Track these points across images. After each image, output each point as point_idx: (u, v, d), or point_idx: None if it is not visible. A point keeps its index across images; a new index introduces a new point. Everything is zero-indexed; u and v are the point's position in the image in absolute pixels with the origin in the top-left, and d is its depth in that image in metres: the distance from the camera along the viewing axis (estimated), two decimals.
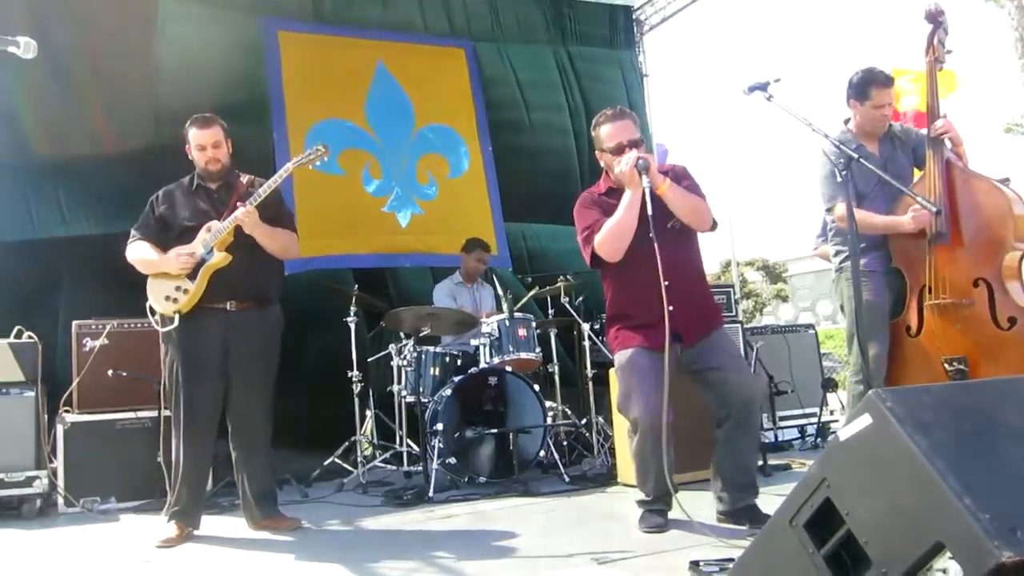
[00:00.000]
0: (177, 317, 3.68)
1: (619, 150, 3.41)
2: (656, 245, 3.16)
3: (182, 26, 6.14)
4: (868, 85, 3.68)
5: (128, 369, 4.65)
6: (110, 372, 4.65)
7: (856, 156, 3.18)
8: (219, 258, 3.66)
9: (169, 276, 3.69)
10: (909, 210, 3.48)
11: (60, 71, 5.75)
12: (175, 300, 3.68)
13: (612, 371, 4.80)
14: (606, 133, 3.50)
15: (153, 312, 3.76)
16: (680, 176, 3.50)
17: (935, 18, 3.63)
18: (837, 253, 3.82)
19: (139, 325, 4.78)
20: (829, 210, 3.75)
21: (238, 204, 3.70)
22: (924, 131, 3.74)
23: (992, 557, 1.56)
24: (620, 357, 3.49)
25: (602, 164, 3.61)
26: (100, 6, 5.90)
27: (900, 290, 3.63)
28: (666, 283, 3.18)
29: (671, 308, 3.19)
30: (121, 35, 5.98)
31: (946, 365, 3.39)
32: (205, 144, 3.80)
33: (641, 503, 3.46)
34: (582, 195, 3.65)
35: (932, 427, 1.77)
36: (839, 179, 3.23)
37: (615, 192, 3.48)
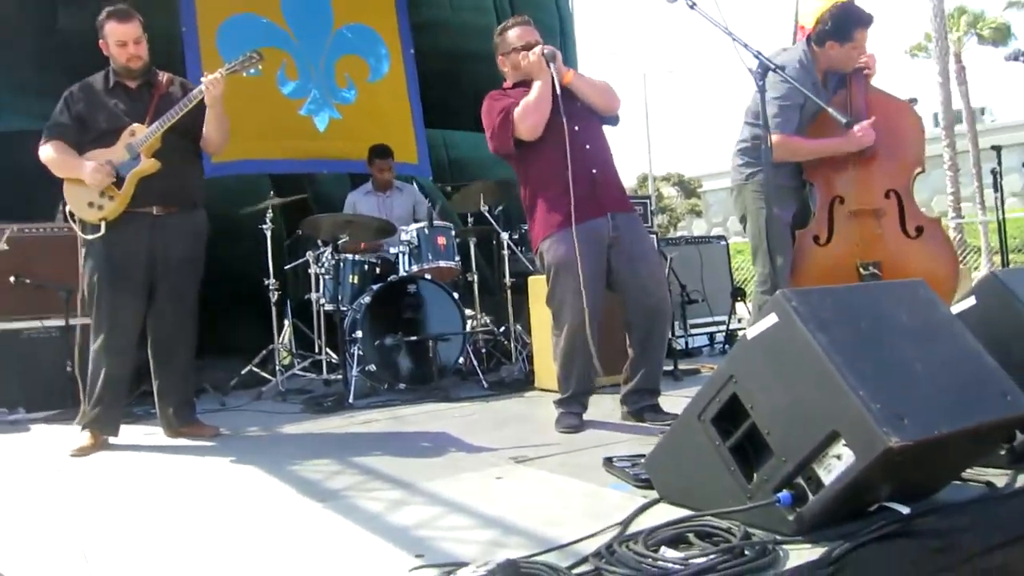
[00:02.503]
0: (103, 225, 3.54)
1: (528, 48, 3.50)
2: (566, 119, 3.36)
3: None
4: (854, 26, 3.63)
5: (32, 276, 4.48)
6: (12, 279, 4.48)
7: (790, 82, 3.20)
8: (147, 164, 3.52)
9: None
10: (857, 127, 3.52)
11: None
12: (100, 207, 3.53)
13: (530, 279, 4.88)
14: (515, 34, 3.61)
15: (73, 218, 3.60)
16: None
17: None
18: (745, 165, 3.87)
19: (41, 230, 4.61)
20: (756, 129, 3.74)
21: (169, 96, 3.59)
22: None
23: (881, 443, 1.68)
24: (546, 246, 3.51)
25: (504, 70, 3.69)
26: None
27: (803, 202, 3.76)
28: (587, 146, 3.40)
29: (594, 171, 3.41)
30: None
31: (861, 270, 3.58)
32: (126, 40, 3.58)
33: (559, 403, 3.56)
34: (489, 93, 3.66)
35: (832, 325, 1.88)
36: (788, 102, 3.37)
37: (522, 85, 3.54)
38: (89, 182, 3.51)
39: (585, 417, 3.54)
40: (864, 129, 3.53)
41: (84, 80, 3.70)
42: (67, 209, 3.62)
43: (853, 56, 3.70)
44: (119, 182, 3.53)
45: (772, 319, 1.91)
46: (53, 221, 4.51)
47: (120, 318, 3.60)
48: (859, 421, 1.71)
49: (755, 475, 1.93)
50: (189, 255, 3.71)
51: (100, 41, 3.64)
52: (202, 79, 3.56)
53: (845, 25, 3.65)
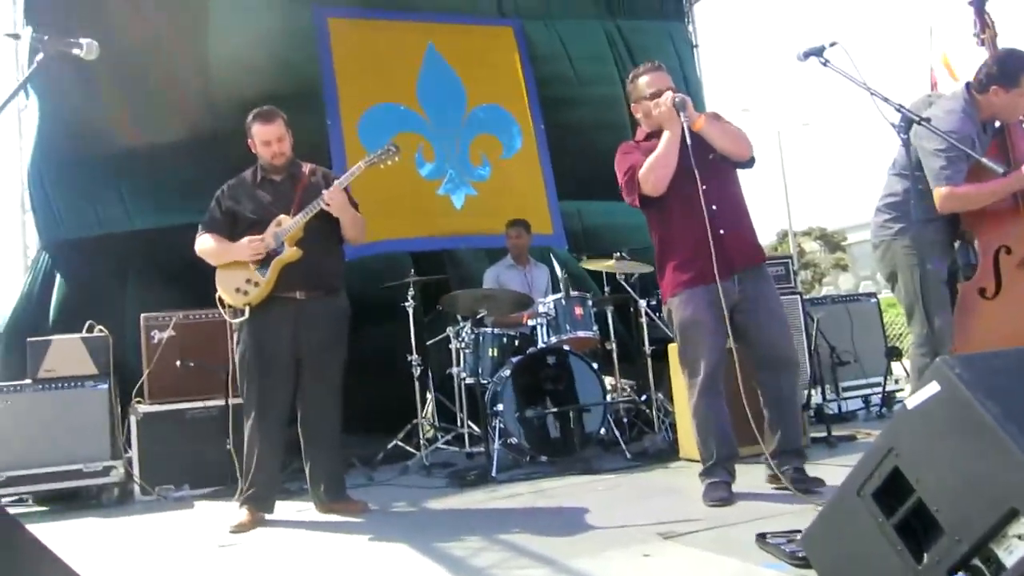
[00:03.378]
0: (247, 309, 3.75)
1: (659, 95, 3.49)
2: (698, 174, 3.30)
3: (233, 15, 6.22)
4: (1021, 71, 3.46)
5: (195, 359, 4.77)
6: (178, 363, 4.79)
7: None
8: (290, 253, 3.73)
9: (239, 267, 3.76)
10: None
11: (112, 69, 5.87)
12: (245, 292, 3.75)
13: (671, 346, 4.78)
14: (645, 82, 3.60)
15: (222, 304, 3.83)
16: (715, 118, 3.55)
17: None
18: (893, 220, 3.70)
19: (204, 316, 4.93)
20: (908, 183, 3.57)
21: (312, 185, 3.80)
22: None
23: None
24: (675, 304, 3.52)
25: (638, 116, 3.69)
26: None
27: (953, 257, 3.55)
28: (713, 207, 3.33)
29: (722, 232, 3.34)
30: (172, 27, 6.10)
31: None
32: (270, 139, 3.84)
33: (704, 474, 3.46)
34: (621, 145, 3.69)
35: (1003, 392, 1.74)
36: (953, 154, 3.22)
37: (653, 136, 3.54)
38: (245, 257, 3.73)
39: (734, 488, 3.41)
40: None
41: (235, 177, 3.97)
42: (217, 295, 3.84)
43: (1019, 104, 3.50)
44: (263, 268, 3.73)
45: (934, 387, 1.79)
46: (213, 308, 4.81)
47: (268, 398, 3.76)
48: None
49: (925, 556, 1.78)
50: (331, 337, 3.85)
51: (248, 141, 3.91)
52: (323, 193, 3.73)
53: (1012, 70, 3.47)
